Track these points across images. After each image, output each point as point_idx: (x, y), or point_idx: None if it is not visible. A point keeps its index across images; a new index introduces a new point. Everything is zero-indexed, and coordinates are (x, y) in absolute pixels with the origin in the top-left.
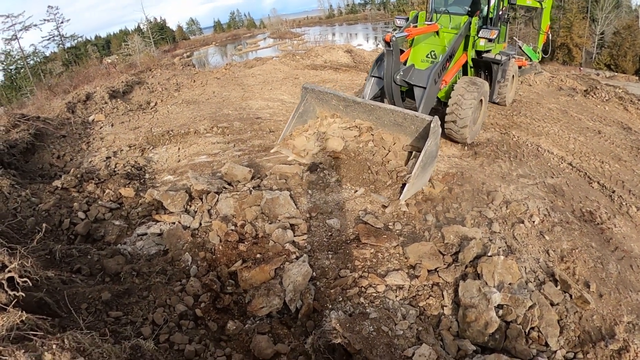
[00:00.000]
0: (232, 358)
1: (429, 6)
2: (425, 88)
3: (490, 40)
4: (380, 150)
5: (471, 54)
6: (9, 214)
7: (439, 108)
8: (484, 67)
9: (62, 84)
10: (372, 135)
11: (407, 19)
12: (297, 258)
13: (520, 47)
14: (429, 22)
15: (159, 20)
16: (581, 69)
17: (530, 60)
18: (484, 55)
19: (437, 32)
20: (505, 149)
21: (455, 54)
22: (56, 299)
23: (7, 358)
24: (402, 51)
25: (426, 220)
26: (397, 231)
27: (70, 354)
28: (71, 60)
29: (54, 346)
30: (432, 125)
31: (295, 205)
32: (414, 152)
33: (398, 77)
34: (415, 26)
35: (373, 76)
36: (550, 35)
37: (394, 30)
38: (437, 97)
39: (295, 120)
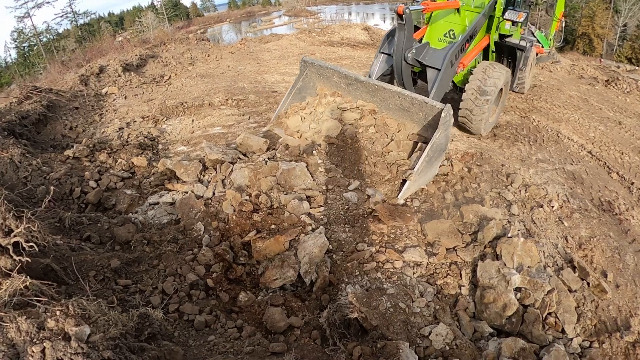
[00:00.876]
0: (244, 329)
1: None
2: (439, 70)
3: (514, 23)
4: (381, 137)
5: (494, 37)
6: (19, 182)
7: (454, 95)
8: (507, 52)
9: (76, 58)
10: (375, 119)
11: None
12: (313, 230)
13: (532, 33)
14: None
15: None
16: (601, 60)
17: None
18: (507, 39)
19: (458, 10)
20: (525, 133)
21: (476, 35)
22: (64, 266)
23: (8, 324)
24: (417, 28)
25: (444, 198)
26: (415, 208)
27: (75, 320)
28: (84, 37)
29: (58, 312)
30: (442, 114)
31: (312, 177)
32: (420, 144)
33: (410, 55)
34: (434, 1)
35: (382, 53)
36: (564, 22)
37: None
38: (453, 82)
39: (292, 96)
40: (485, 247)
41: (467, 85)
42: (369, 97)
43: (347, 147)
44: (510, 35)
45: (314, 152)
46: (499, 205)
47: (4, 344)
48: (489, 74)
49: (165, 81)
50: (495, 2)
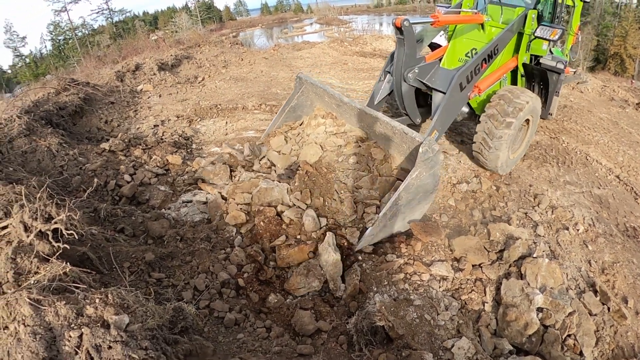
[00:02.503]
0: (272, 330)
1: None
2: (445, 94)
3: (549, 41)
4: (357, 170)
5: (524, 58)
6: (56, 171)
7: (472, 123)
8: (537, 76)
9: (111, 54)
10: (360, 147)
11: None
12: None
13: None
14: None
15: None
16: (633, 81)
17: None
18: (542, 60)
19: (483, 26)
20: (554, 154)
21: (497, 54)
22: (99, 256)
23: (46, 308)
24: (435, 47)
25: (472, 215)
26: (444, 223)
27: (114, 309)
28: (119, 34)
29: (97, 300)
30: (421, 149)
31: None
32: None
33: (410, 75)
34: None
35: (387, 72)
36: (579, 36)
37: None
38: (470, 108)
39: (285, 114)
40: (510, 266)
41: (483, 114)
42: (356, 121)
43: (319, 177)
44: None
45: (289, 176)
46: (525, 225)
47: (42, 327)
48: (510, 101)
49: (199, 82)
50: (525, 17)
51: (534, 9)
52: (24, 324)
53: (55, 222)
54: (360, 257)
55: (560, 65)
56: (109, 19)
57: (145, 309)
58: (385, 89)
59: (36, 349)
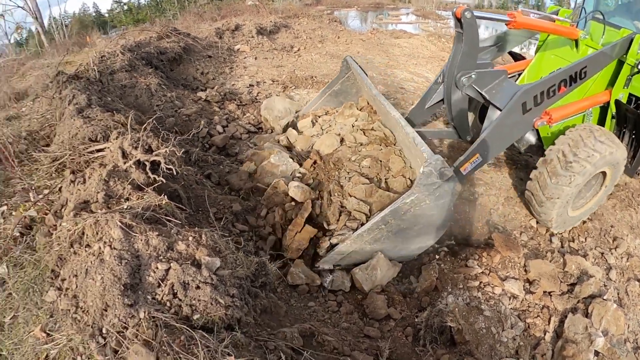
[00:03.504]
0: (342, 306)
1: (586, 3)
2: (501, 111)
3: None
4: (366, 175)
5: (618, 94)
6: (151, 109)
7: (532, 155)
8: (631, 121)
9: (210, 12)
10: (381, 151)
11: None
12: None
13: None
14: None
15: None
16: None
17: None
18: None
19: (577, 43)
20: None
21: (583, 78)
22: (188, 196)
23: (137, 235)
24: (518, 57)
25: (551, 242)
26: (523, 242)
27: (207, 250)
28: None
29: (190, 238)
30: (422, 170)
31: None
32: None
33: (465, 79)
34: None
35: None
36: None
37: None
38: (539, 138)
39: (325, 98)
40: (578, 301)
41: (546, 151)
42: (386, 120)
43: (322, 171)
44: None
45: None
46: (599, 264)
47: (129, 253)
48: (581, 146)
49: (295, 52)
50: (631, 41)
51: None
52: (110, 246)
53: (157, 155)
54: (438, 256)
55: None
56: None
57: (235, 257)
58: (441, 92)
59: (119, 273)
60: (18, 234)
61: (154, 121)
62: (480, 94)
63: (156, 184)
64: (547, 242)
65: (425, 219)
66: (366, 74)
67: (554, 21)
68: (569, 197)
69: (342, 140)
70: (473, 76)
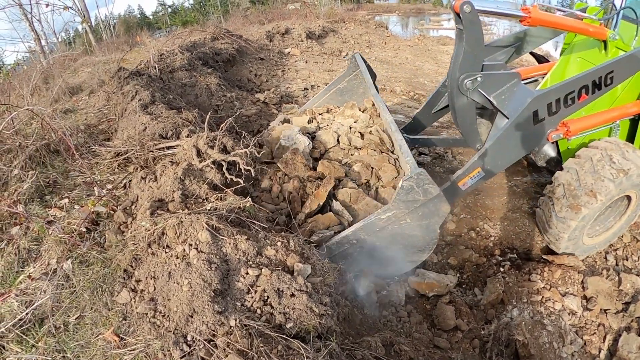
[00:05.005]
0: (411, 316)
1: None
2: (508, 119)
3: None
4: (357, 180)
5: None
6: (211, 108)
7: (553, 169)
8: None
9: (256, 16)
10: (374, 157)
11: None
12: None
13: None
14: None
15: None
16: None
17: None
18: None
19: (606, 45)
20: None
21: (609, 84)
22: (254, 196)
23: (225, 239)
24: (542, 59)
25: (607, 259)
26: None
27: (297, 257)
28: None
29: (279, 243)
30: (401, 184)
31: None
32: None
33: (469, 83)
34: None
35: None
36: None
37: None
38: (558, 152)
39: (329, 95)
40: (632, 321)
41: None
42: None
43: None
44: None
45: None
46: None
47: (218, 257)
48: (600, 166)
49: (344, 57)
50: None
51: None
52: (197, 249)
53: (235, 155)
54: (502, 269)
55: None
56: None
57: (322, 263)
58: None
59: (209, 278)
60: (84, 230)
61: (218, 120)
62: (488, 99)
63: (237, 186)
64: (602, 259)
65: (406, 239)
66: (374, 74)
67: (581, 19)
68: (589, 216)
69: (337, 141)
70: (479, 79)
